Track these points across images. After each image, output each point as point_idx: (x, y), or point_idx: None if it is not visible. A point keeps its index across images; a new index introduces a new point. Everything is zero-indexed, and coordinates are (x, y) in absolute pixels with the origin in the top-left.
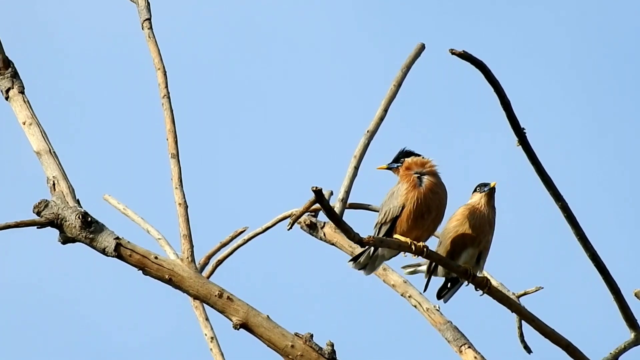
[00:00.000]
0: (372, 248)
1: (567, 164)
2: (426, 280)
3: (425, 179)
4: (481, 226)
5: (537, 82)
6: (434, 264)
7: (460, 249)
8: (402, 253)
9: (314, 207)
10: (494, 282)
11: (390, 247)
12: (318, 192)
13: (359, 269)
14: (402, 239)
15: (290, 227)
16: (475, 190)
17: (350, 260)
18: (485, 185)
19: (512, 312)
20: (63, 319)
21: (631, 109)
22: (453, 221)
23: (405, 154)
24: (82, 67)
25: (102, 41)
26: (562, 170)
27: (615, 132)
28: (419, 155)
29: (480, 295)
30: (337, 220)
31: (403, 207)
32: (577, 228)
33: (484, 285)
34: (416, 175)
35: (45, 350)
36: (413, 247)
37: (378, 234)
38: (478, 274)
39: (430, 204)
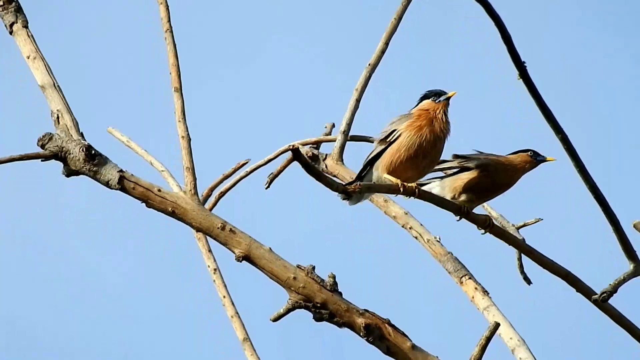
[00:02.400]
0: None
1: (569, 97)
2: None
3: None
4: (498, 186)
5: (540, 14)
6: None
7: (463, 191)
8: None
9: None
10: (493, 214)
11: (379, 192)
12: (295, 151)
13: (344, 199)
14: (393, 179)
15: (268, 187)
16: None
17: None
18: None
19: (509, 245)
20: (60, 254)
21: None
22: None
23: (442, 95)
24: (84, 2)
25: None
26: (562, 104)
27: (620, 65)
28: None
29: (482, 234)
30: (317, 174)
31: (400, 136)
32: (576, 160)
33: (486, 225)
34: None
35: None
36: (402, 188)
37: (371, 152)
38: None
39: (428, 150)
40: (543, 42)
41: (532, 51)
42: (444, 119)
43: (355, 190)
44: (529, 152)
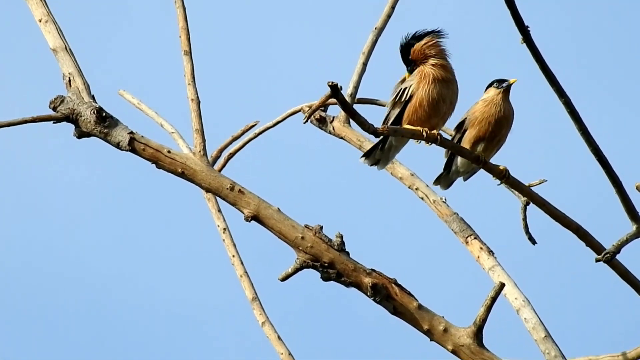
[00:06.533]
0: (384, 142)
1: (572, 62)
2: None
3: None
4: (498, 122)
5: None
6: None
7: (475, 141)
8: (414, 141)
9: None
10: None
11: (403, 135)
12: (334, 87)
13: (372, 165)
14: (415, 127)
15: (306, 121)
16: (490, 86)
17: (362, 156)
18: (503, 81)
19: (524, 197)
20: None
21: None
22: (469, 114)
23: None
24: None
25: None
26: (566, 68)
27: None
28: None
29: (498, 184)
30: (352, 113)
31: (416, 92)
32: (579, 123)
33: (503, 176)
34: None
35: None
36: (425, 134)
37: (388, 116)
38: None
39: (445, 92)
40: (546, 6)
41: (536, 15)
42: (440, 64)
43: (384, 132)
44: (493, 84)
